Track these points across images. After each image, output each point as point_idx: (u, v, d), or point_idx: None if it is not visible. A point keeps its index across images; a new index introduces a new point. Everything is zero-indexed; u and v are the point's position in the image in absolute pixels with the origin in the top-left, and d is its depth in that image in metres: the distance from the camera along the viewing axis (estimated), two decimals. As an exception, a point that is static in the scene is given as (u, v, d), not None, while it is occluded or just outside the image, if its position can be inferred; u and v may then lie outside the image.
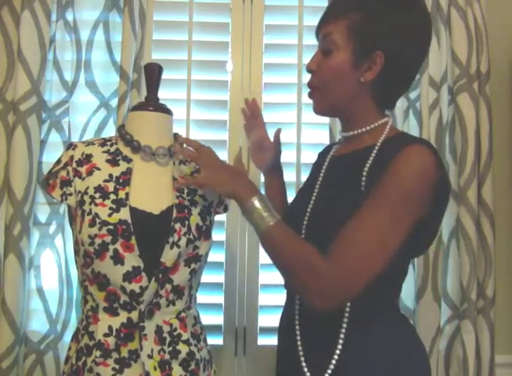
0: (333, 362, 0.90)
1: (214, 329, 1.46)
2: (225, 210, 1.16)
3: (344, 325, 0.90)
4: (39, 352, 1.40)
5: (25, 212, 1.36)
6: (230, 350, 1.49)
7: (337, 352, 0.90)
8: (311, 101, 1.03)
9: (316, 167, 1.12)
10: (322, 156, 1.16)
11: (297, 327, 0.96)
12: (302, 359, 0.93)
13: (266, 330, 1.49)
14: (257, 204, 0.93)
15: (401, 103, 1.45)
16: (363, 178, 0.92)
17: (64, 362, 1.01)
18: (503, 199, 1.57)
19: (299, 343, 0.95)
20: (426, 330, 1.41)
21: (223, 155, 1.49)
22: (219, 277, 1.48)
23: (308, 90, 1.03)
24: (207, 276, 1.28)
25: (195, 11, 1.54)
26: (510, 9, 1.61)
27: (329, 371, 0.89)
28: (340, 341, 0.90)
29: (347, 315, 0.91)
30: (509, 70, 1.60)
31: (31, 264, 1.41)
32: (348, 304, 0.90)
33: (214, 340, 1.46)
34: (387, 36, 0.94)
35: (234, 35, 1.54)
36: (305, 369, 0.92)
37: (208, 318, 1.36)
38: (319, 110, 1.04)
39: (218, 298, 1.48)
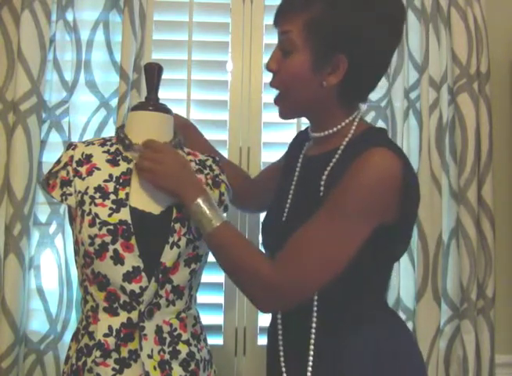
0: (310, 369, 0.89)
1: (214, 329, 1.46)
2: (225, 210, 1.16)
3: (313, 333, 0.89)
4: (39, 352, 1.40)
5: (25, 212, 1.35)
6: (230, 350, 1.49)
7: (310, 358, 0.89)
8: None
9: (291, 163, 1.05)
10: (294, 147, 1.11)
11: (280, 332, 0.96)
12: (283, 364, 0.94)
13: (266, 331, 1.48)
14: (202, 204, 0.92)
15: (401, 103, 1.45)
16: (322, 184, 0.89)
17: (64, 362, 1.02)
18: (503, 199, 1.57)
19: (281, 348, 0.94)
20: (426, 330, 1.41)
21: (223, 155, 1.48)
22: (219, 277, 1.47)
23: (272, 91, 0.97)
24: (207, 276, 1.28)
25: (195, 11, 1.53)
26: (510, 9, 1.60)
27: None
28: (311, 347, 0.89)
29: (314, 325, 0.89)
30: (509, 70, 1.60)
31: (31, 264, 1.41)
32: (314, 314, 0.89)
33: (214, 340, 1.45)
34: (349, 36, 0.84)
35: (234, 35, 1.54)
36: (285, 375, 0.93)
37: (208, 318, 1.35)
38: (283, 115, 0.98)
39: (218, 298, 1.48)
